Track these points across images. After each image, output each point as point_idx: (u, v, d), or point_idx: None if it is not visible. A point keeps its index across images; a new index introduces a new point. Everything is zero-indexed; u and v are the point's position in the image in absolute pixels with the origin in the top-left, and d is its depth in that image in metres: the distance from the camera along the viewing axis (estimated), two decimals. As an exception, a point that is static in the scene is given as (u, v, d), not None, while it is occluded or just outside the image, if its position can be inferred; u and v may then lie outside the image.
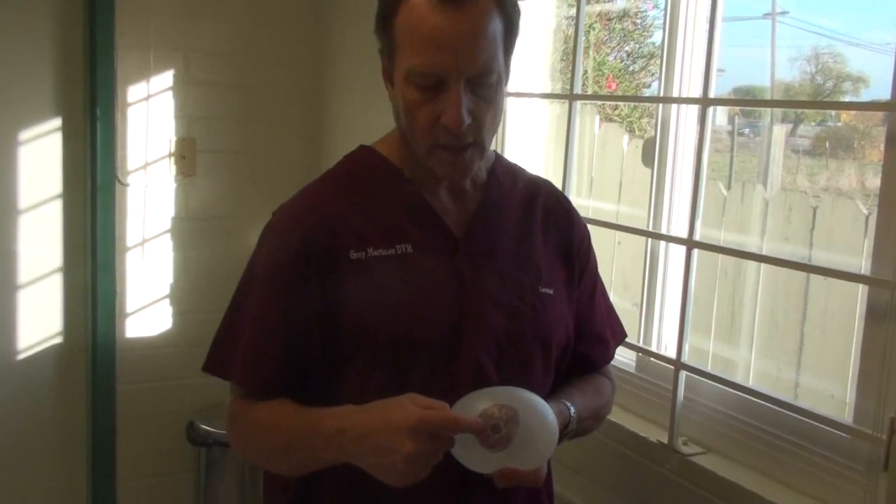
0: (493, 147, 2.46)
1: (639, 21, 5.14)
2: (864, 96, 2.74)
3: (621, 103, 4.30)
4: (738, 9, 2.86)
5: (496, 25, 1.37)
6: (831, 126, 3.03)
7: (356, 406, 1.33)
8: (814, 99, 3.04)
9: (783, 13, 3.05)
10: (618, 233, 2.46)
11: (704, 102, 1.91)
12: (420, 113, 1.38)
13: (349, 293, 1.42)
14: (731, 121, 3.21)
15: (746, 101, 2.83)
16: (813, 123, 3.09)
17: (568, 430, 1.49)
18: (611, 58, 5.15)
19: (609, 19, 4.93)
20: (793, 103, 2.56)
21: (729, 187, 2.44)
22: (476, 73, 1.36)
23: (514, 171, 1.63)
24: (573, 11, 2.47)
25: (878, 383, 1.57)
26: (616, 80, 4.94)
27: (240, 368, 1.48)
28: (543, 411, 1.36)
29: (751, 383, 2.17)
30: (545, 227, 1.58)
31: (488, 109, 1.39)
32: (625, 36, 5.12)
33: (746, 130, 3.26)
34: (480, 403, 1.33)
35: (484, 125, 1.40)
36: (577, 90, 2.31)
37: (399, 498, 1.35)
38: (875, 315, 1.61)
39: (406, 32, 1.36)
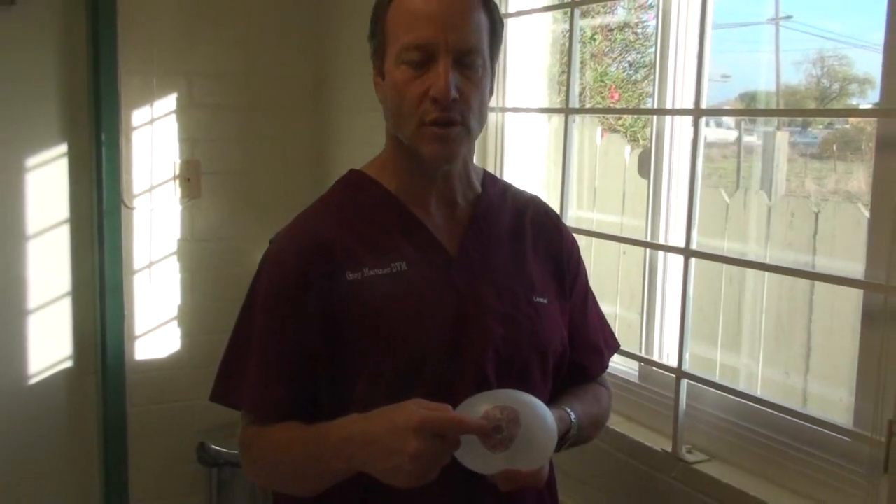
0: (492, 163, 2.48)
1: (639, 31, 5.15)
2: (871, 98, 2.74)
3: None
4: (741, 14, 2.87)
5: (481, 17, 1.46)
6: (839, 129, 3.03)
7: (361, 414, 1.35)
8: (821, 101, 3.04)
9: (787, 17, 3.05)
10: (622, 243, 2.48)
11: (697, 113, 1.93)
12: (409, 91, 1.43)
13: (349, 313, 1.45)
14: (737, 126, 3.21)
15: (738, 111, 2.84)
16: (820, 127, 3.09)
17: (569, 437, 1.51)
18: (613, 68, 5.16)
19: (610, 30, 4.95)
20: (786, 111, 2.57)
21: (733, 194, 2.44)
22: (463, 49, 1.42)
23: (503, 187, 1.66)
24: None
25: (875, 386, 1.58)
26: (618, 91, 4.95)
27: (248, 396, 1.50)
28: (543, 413, 1.39)
29: (759, 390, 2.18)
30: (535, 240, 1.62)
31: (475, 92, 1.44)
32: (626, 46, 5.13)
33: (754, 137, 3.26)
34: (481, 406, 1.35)
35: (471, 107, 1.44)
36: (574, 104, 2.33)
37: None
38: (871, 319, 1.62)
39: (397, 17, 1.44)
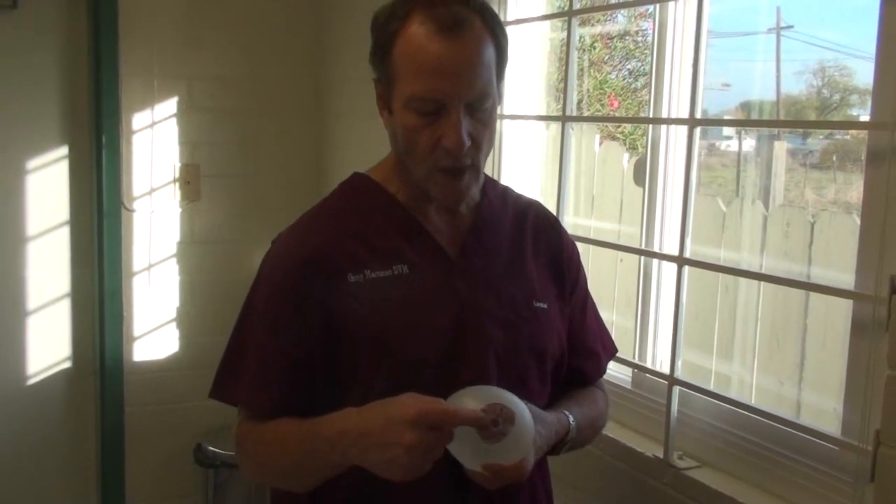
0: (489, 170, 2.49)
1: (639, 39, 5.15)
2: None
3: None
4: (743, 23, 2.89)
5: (490, 52, 1.44)
6: (838, 139, 3.04)
7: (356, 408, 1.37)
8: (822, 112, 3.05)
9: (787, 27, 3.06)
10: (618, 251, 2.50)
11: (692, 123, 1.94)
12: (420, 138, 1.43)
13: (349, 315, 1.47)
14: (737, 135, 3.21)
15: (732, 122, 2.85)
16: (820, 137, 3.10)
17: (567, 440, 1.54)
18: (612, 76, 5.17)
19: (610, 38, 4.95)
20: (779, 122, 2.59)
21: (732, 202, 2.45)
22: (474, 97, 1.42)
23: (503, 192, 1.68)
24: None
25: (863, 396, 1.60)
26: (618, 99, 4.96)
27: (246, 393, 1.52)
28: (523, 409, 1.41)
29: (752, 398, 2.19)
30: (535, 245, 1.64)
31: (484, 132, 1.45)
32: (626, 54, 5.13)
33: (753, 146, 3.26)
34: (466, 401, 1.38)
35: (481, 148, 1.46)
36: (572, 111, 2.35)
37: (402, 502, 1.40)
38: (859, 329, 1.64)
39: (405, 61, 1.42)
